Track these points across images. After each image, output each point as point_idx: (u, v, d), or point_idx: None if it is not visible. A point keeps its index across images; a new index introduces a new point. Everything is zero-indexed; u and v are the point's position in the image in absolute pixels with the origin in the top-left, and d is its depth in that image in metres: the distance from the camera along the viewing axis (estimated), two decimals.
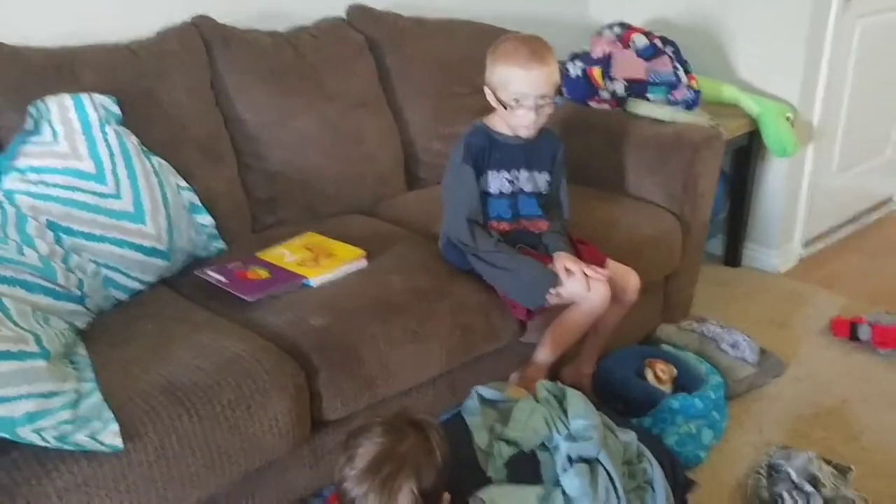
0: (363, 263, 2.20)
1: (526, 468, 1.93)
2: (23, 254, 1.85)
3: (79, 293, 1.94)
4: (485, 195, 2.25)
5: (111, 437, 1.55)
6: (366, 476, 1.57)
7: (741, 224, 3.40)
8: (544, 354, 2.28)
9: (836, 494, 2.06)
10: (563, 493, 1.86)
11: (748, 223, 3.41)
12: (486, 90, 2.22)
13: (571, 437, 1.98)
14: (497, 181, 2.25)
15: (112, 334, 1.92)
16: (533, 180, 2.30)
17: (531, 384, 2.18)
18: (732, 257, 3.46)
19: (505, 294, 2.19)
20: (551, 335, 2.28)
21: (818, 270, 3.46)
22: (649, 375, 2.38)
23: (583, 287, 2.15)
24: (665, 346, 2.58)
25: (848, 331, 2.86)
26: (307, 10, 2.77)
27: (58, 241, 1.95)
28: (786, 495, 2.05)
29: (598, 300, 2.17)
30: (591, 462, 1.93)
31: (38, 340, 1.63)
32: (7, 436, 1.46)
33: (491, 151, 2.22)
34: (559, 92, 3.02)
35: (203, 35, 2.46)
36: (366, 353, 1.94)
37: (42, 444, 1.49)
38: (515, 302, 2.19)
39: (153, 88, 2.30)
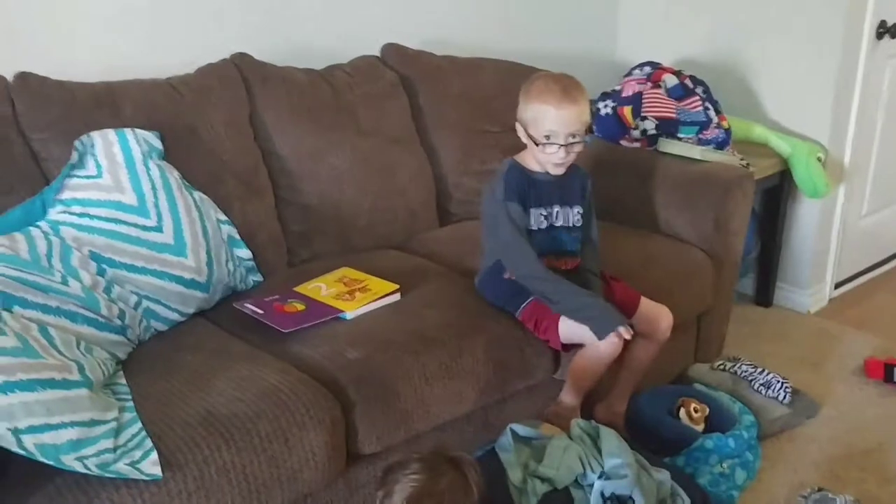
0: (397, 297, 2.22)
1: None
2: (67, 284, 1.88)
3: (120, 324, 1.97)
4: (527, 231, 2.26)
5: (151, 466, 1.57)
6: None
7: (772, 264, 3.39)
8: (567, 396, 2.29)
9: None
10: None
11: (779, 263, 3.40)
12: (518, 126, 2.24)
13: (605, 475, 1.98)
14: (535, 218, 2.26)
15: (152, 365, 1.94)
16: (565, 215, 2.31)
17: (562, 423, 2.18)
18: (764, 297, 3.45)
19: (578, 320, 2.15)
20: (570, 378, 2.28)
21: (850, 311, 3.44)
22: (683, 414, 2.37)
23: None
24: (697, 386, 2.57)
25: (882, 372, 2.84)
26: (343, 49, 2.81)
27: (101, 272, 1.99)
28: None
29: (605, 346, 2.13)
30: (624, 500, 1.92)
31: (81, 369, 1.65)
32: (51, 462, 1.48)
33: (528, 188, 2.24)
34: (590, 130, 3.04)
35: (242, 72, 2.50)
36: (401, 387, 1.95)
37: (84, 471, 1.51)
38: (588, 325, 2.14)
39: (193, 124, 2.34)
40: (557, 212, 2.30)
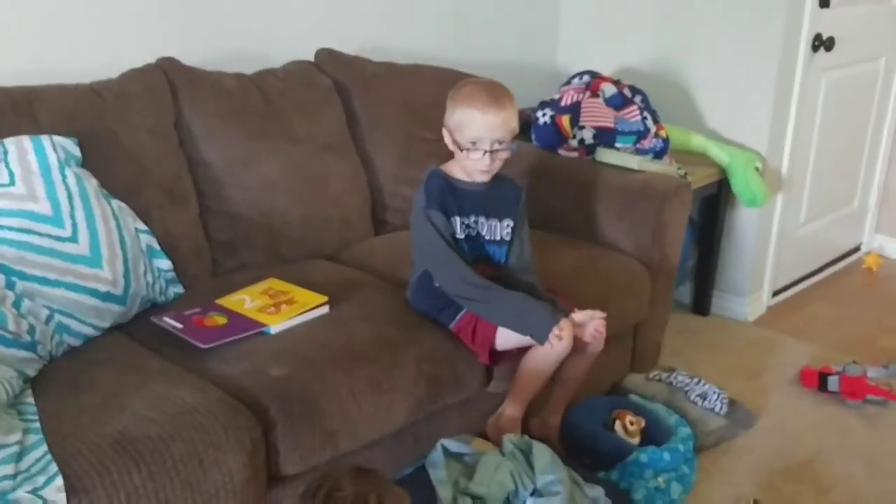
0: (325, 310, 2.15)
1: None
2: None
3: (30, 339, 1.87)
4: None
5: (55, 492, 1.48)
6: None
7: (710, 272, 3.38)
8: (511, 407, 2.24)
9: None
10: None
11: (717, 271, 3.40)
12: (444, 132, 2.21)
13: (537, 492, 1.94)
14: (458, 227, 2.22)
15: (63, 383, 1.85)
16: (492, 227, 2.27)
17: (501, 437, 2.13)
18: (701, 305, 3.45)
19: (514, 329, 2.12)
20: (515, 384, 2.23)
21: (787, 319, 3.45)
22: (618, 427, 2.34)
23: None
24: (633, 397, 2.55)
25: (817, 381, 2.84)
26: (275, 54, 2.74)
27: (9, 285, 1.89)
28: None
29: (556, 343, 2.10)
30: None
31: None
32: None
33: (450, 197, 2.20)
34: (529, 140, 3.01)
35: (168, 76, 2.42)
36: (327, 405, 1.88)
37: None
38: (527, 334, 2.11)
39: (115, 130, 2.25)
40: (482, 223, 2.26)
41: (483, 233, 2.25)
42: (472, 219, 2.23)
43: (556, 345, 2.08)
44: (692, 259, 3.37)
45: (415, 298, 2.25)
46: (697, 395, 2.60)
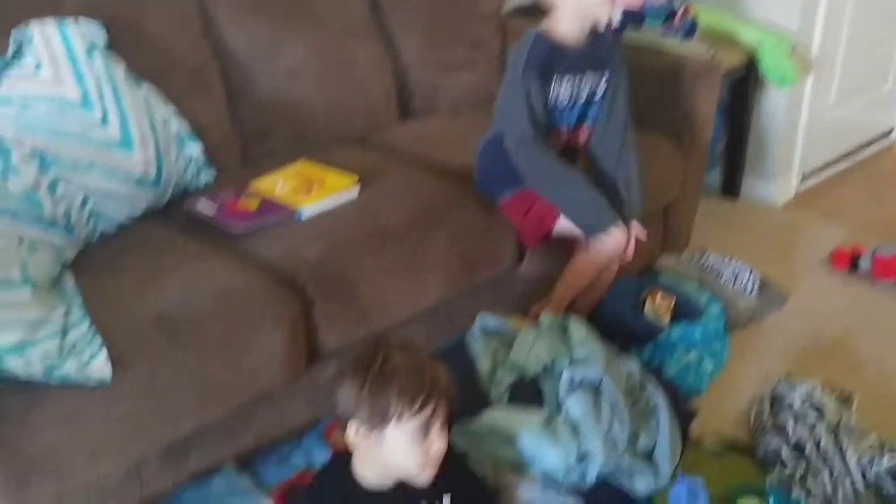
0: (356, 191, 2.14)
1: (528, 394, 1.92)
2: (7, 184, 1.78)
3: (66, 223, 1.88)
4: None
5: (100, 365, 1.51)
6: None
7: (739, 155, 3.34)
8: (562, 290, 2.28)
9: (840, 422, 2.04)
10: (567, 415, 1.84)
11: (746, 154, 3.35)
12: None
13: (574, 363, 1.96)
14: (560, 89, 2.16)
15: (101, 265, 1.86)
16: (590, 83, 2.21)
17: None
18: (731, 189, 3.41)
19: (567, 217, 2.16)
20: (566, 276, 2.28)
21: (817, 202, 3.42)
22: (648, 308, 2.34)
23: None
24: (665, 277, 2.54)
25: (848, 262, 2.83)
26: None
27: (44, 170, 1.88)
28: (790, 423, 2.03)
29: (612, 245, 2.16)
30: (594, 387, 1.91)
31: (24, 269, 1.57)
32: None
33: (554, 58, 2.12)
34: None
35: None
36: (360, 285, 1.90)
37: (27, 376, 1.46)
38: (577, 223, 2.16)
39: (139, 17, 2.21)
40: (584, 79, 2.19)
41: (583, 92, 2.21)
42: (578, 77, 2.17)
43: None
44: (721, 142, 3.33)
45: (481, 158, 2.25)
46: (729, 276, 2.60)
